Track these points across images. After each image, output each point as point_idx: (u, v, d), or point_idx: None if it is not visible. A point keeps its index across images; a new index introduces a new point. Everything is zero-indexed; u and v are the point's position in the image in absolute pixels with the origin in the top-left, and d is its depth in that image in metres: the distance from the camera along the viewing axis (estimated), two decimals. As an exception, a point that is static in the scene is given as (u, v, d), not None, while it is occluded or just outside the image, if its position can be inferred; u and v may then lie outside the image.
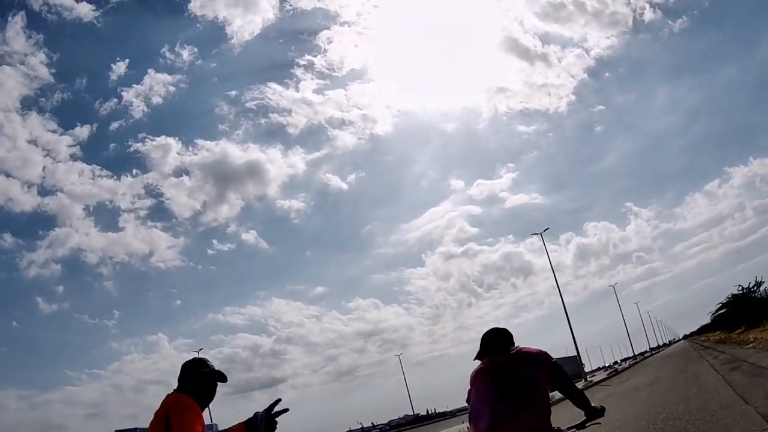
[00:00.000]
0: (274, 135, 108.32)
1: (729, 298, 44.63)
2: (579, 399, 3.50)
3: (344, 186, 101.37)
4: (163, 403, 3.00)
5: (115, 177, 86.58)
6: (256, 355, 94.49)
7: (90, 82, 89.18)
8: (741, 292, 42.56)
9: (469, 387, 3.48)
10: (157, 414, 2.96)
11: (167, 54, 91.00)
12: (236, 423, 3.11)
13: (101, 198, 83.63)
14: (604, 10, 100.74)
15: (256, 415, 3.09)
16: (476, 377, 3.45)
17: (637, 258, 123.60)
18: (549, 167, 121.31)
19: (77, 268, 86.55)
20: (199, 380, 3.12)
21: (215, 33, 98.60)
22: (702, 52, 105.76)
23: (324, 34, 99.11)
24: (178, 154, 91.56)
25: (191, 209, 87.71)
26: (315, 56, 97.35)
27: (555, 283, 46.13)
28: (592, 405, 3.53)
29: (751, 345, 25.06)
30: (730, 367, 17.94)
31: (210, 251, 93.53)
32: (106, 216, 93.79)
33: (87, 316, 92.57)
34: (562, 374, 3.40)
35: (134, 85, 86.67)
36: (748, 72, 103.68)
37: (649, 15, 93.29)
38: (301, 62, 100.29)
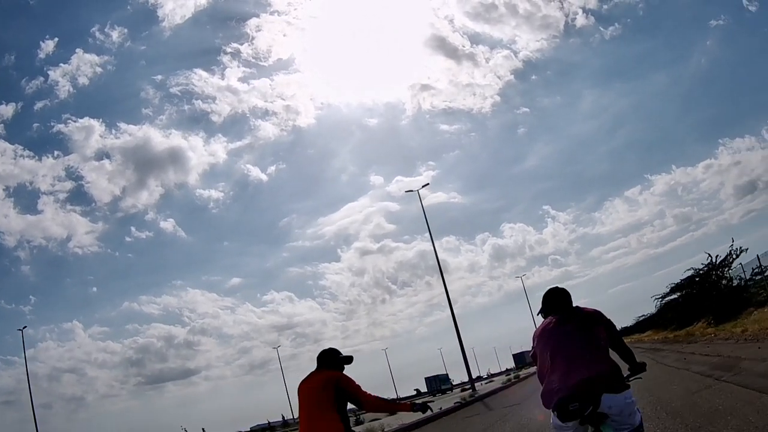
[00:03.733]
0: (198, 122, 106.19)
1: (686, 279, 29.56)
2: (627, 355, 3.86)
3: (264, 177, 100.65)
4: (323, 377, 4.33)
5: (37, 158, 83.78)
6: (171, 346, 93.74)
7: (18, 59, 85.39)
8: (708, 267, 27.78)
9: (533, 344, 3.83)
10: (322, 383, 4.27)
11: (97, 34, 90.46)
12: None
13: (22, 179, 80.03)
14: (536, 14, 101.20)
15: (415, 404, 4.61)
16: (542, 335, 3.76)
17: (553, 261, 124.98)
18: (469, 167, 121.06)
19: (-5, 251, 79.98)
20: (339, 362, 4.54)
21: (146, 15, 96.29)
22: (632, 60, 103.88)
23: (253, 22, 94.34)
24: (100, 136, 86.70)
25: (111, 194, 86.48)
26: (242, 44, 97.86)
27: (442, 279, 31.61)
28: (637, 361, 3.89)
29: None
30: None
31: (128, 238, 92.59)
32: (25, 198, 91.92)
33: (3, 302, 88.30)
34: (615, 332, 3.81)
35: (62, 65, 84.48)
36: (677, 82, 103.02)
37: (581, 20, 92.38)
38: (229, 49, 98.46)
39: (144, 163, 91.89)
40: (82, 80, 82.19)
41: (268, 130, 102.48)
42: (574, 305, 3.83)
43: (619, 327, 4.10)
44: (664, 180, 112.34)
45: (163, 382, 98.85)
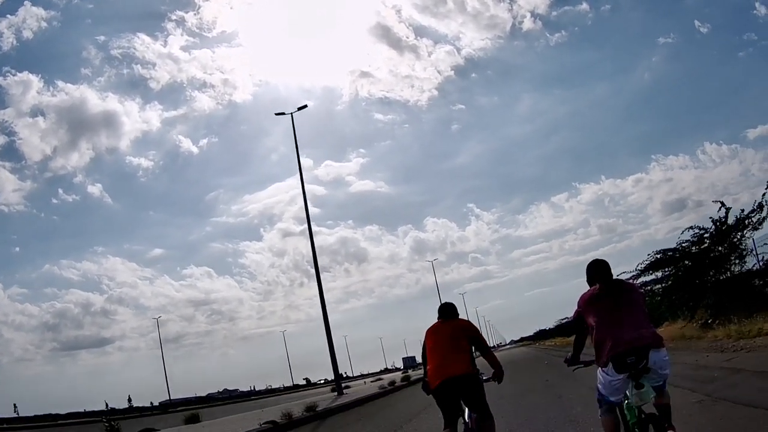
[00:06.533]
0: (135, 87, 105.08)
1: (679, 247, 18.03)
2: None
3: (195, 149, 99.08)
4: (458, 323, 5.05)
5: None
6: (87, 313, 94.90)
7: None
8: (719, 227, 16.64)
9: (579, 309, 4.18)
10: (459, 329, 4.97)
11: (43, -16, 67.74)
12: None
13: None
14: (484, 13, 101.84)
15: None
16: (590, 300, 4.09)
17: (473, 259, 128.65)
18: (399, 158, 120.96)
19: None
20: (457, 314, 5.23)
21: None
22: (575, 68, 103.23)
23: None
24: (37, 93, 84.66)
25: (42, 153, 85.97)
26: (188, 12, 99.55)
27: (315, 271, 27.26)
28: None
29: None
30: None
31: (54, 200, 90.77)
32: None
33: None
34: (645, 303, 4.21)
35: (9, 16, 78.14)
36: (617, 94, 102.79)
37: (528, 24, 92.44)
38: (174, 17, 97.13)
39: (78, 124, 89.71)
40: (27, 34, 79.20)
41: (204, 102, 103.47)
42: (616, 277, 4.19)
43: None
44: (593, 189, 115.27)
45: (77, 350, 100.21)
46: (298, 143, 29.43)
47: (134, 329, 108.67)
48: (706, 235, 17.01)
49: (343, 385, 41.82)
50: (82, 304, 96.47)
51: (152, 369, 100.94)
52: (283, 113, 31.00)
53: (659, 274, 18.65)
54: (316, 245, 28.12)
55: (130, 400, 61.18)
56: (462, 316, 5.28)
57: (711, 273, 17.10)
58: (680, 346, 14.44)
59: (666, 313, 20.19)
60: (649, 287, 19.18)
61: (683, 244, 17.66)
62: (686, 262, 17.70)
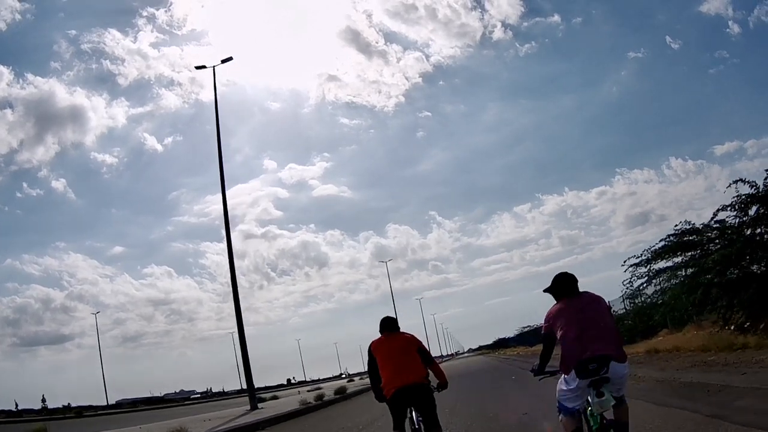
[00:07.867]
0: (103, 83, 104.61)
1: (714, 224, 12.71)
2: (620, 336, 4.22)
3: (159, 147, 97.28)
4: (407, 337, 5.25)
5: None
6: (47, 309, 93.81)
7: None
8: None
9: (547, 323, 4.21)
10: (408, 342, 5.18)
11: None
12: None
13: None
14: (455, 21, 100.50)
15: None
16: (559, 314, 4.14)
17: (433, 267, 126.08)
18: (364, 163, 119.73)
19: None
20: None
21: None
22: (542, 79, 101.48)
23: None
24: (7, 85, 79.76)
25: (8, 146, 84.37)
26: (159, 9, 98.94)
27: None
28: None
29: None
30: None
31: (18, 194, 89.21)
32: None
33: None
34: (611, 314, 4.32)
35: None
36: (584, 107, 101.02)
37: (498, 34, 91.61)
38: (145, 13, 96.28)
39: (45, 118, 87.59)
40: (0, 25, 74.49)
41: (170, 100, 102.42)
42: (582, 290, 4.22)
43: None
44: (555, 201, 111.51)
45: (36, 346, 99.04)
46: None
47: (93, 327, 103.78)
48: (759, 194, 11.79)
49: (271, 395, 36.06)
50: (43, 300, 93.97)
51: (107, 367, 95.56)
52: (204, 66, 26.00)
53: (679, 259, 13.41)
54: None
55: (44, 400, 53.93)
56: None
57: (759, 256, 11.98)
58: (740, 361, 9.17)
59: (684, 316, 14.86)
60: (663, 276, 13.91)
61: (715, 222, 12.45)
62: (723, 240, 12.51)
